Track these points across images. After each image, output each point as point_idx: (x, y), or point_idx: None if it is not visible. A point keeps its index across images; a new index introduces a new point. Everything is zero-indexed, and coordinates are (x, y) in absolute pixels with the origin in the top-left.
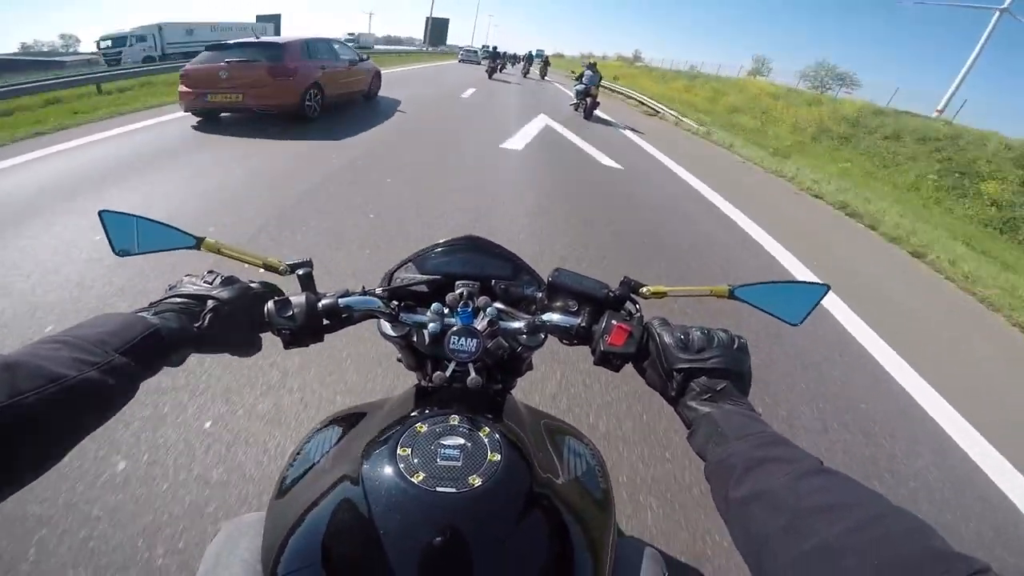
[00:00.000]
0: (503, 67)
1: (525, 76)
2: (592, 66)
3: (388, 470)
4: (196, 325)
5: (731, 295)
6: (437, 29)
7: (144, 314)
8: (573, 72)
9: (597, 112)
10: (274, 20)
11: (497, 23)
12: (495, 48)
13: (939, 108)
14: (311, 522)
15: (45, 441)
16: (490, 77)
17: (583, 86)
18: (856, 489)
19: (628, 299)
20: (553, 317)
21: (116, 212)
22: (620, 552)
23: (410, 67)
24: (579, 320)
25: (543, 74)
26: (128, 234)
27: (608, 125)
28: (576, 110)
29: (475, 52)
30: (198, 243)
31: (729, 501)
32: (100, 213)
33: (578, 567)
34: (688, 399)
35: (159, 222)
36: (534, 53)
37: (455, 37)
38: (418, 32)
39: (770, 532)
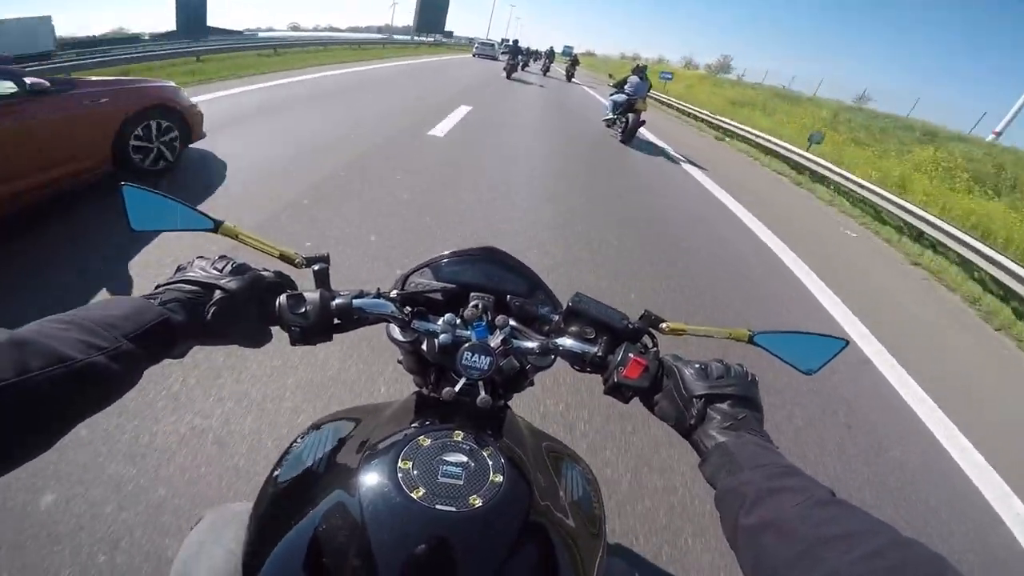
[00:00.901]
0: (525, 64)
1: (545, 74)
2: (642, 71)
3: (387, 482)
4: (202, 317)
5: (751, 340)
6: (430, 9)
7: (153, 300)
8: (611, 76)
9: (645, 134)
10: (44, 22)
11: (519, 15)
12: (516, 42)
13: (996, 130)
14: (300, 525)
15: (46, 422)
16: (508, 76)
17: (624, 96)
18: (867, 520)
19: (647, 332)
20: (567, 342)
21: (138, 187)
22: (608, 574)
23: (377, 65)
24: (595, 349)
25: (570, 75)
26: (147, 211)
27: (670, 161)
28: (610, 128)
29: (492, 46)
30: (216, 226)
31: (738, 529)
32: (121, 187)
33: None
34: (708, 428)
35: (180, 201)
36: (562, 50)
37: (468, 30)
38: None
39: (780, 561)
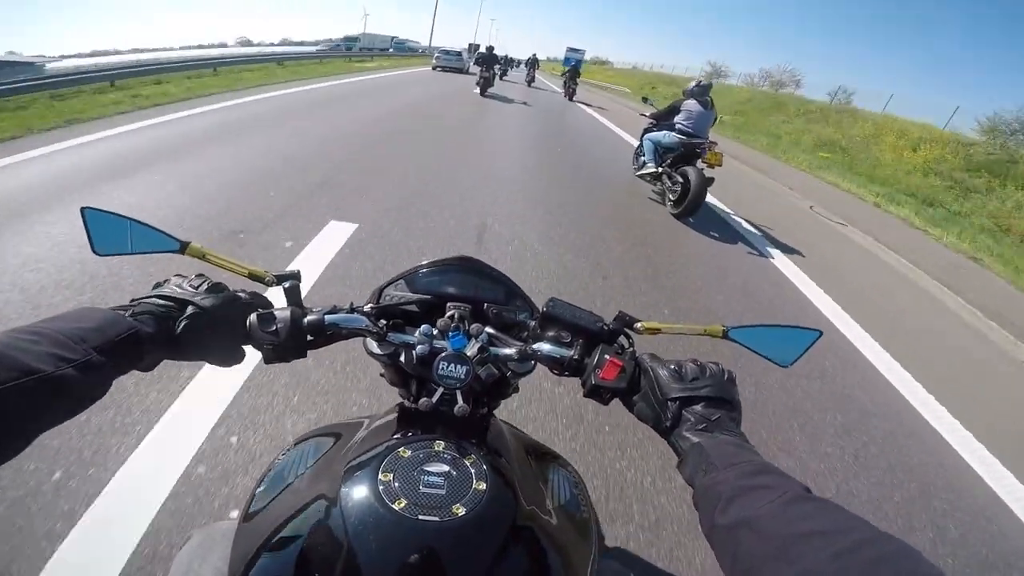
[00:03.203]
0: (504, 73)
1: (530, 85)
2: (704, 91)
3: (368, 495)
4: (172, 331)
5: (725, 336)
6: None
7: (124, 313)
8: (646, 101)
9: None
10: None
11: (499, 27)
12: (491, 49)
13: None
14: (283, 541)
15: (13, 432)
16: (483, 93)
17: (672, 137)
18: (842, 515)
19: (622, 333)
20: (544, 347)
21: (100, 210)
22: None
23: (277, 92)
24: (571, 352)
25: (570, 93)
26: (110, 234)
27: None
28: (651, 184)
29: (459, 55)
30: (183, 247)
31: (715, 528)
32: (83, 210)
33: None
34: (683, 429)
35: (144, 224)
36: (563, 57)
37: (440, 40)
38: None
39: (757, 558)
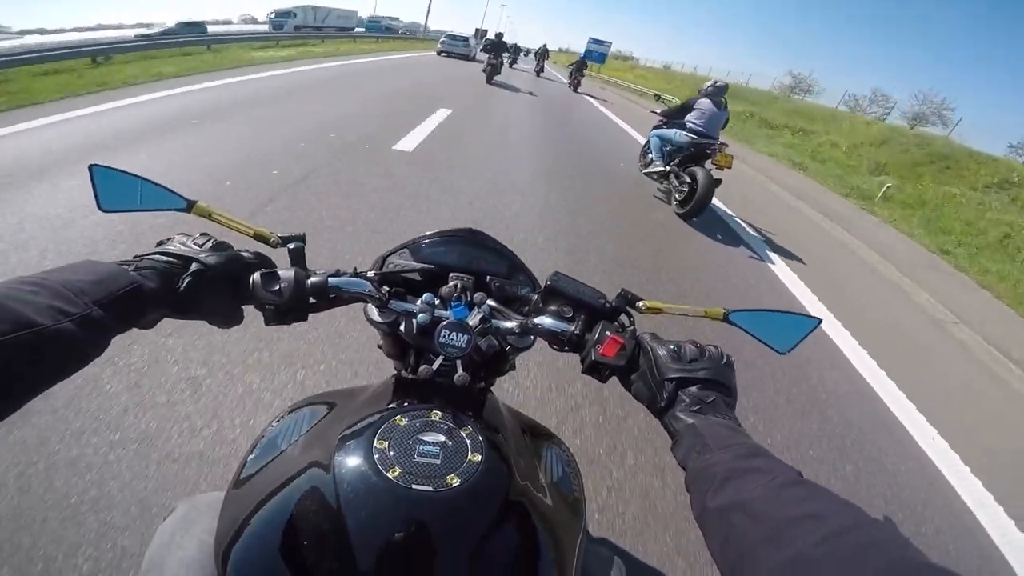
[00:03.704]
0: (514, 61)
1: (539, 75)
2: (719, 92)
3: (362, 462)
4: (174, 288)
5: (725, 318)
6: None
7: (128, 268)
8: (659, 99)
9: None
10: None
11: (510, 13)
12: (500, 36)
13: None
14: (274, 508)
15: (8, 389)
16: (488, 81)
17: (683, 135)
18: (833, 500)
19: (624, 311)
20: (546, 321)
21: (108, 167)
22: (587, 560)
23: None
24: (573, 327)
25: (575, 85)
26: (117, 191)
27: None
28: (658, 183)
29: (466, 41)
30: (189, 206)
31: (706, 510)
32: (91, 167)
33: (545, 572)
34: (677, 410)
35: (151, 181)
36: (584, 50)
37: (444, 23)
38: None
39: (748, 541)
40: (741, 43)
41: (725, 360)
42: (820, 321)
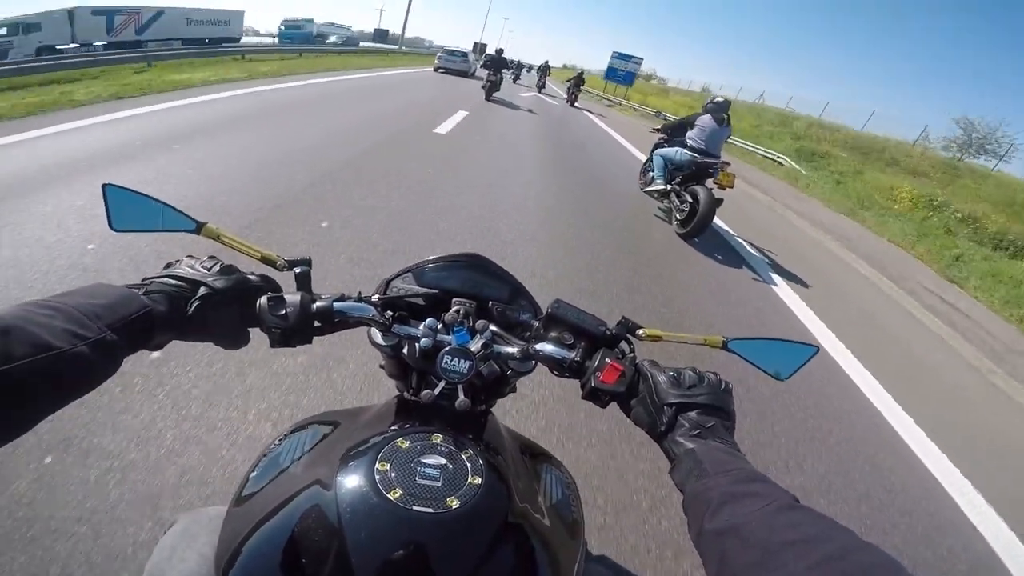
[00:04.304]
0: (517, 77)
1: (540, 91)
2: (722, 108)
3: (364, 483)
4: (183, 311)
5: (724, 346)
6: None
7: (137, 291)
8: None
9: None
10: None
11: (512, 27)
12: (500, 52)
13: None
14: (275, 526)
15: (24, 410)
16: (487, 97)
17: (684, 154)
18: (826, 524)
19: (624, 339)
20: (547, 347)
21: (120, 187)
22: None
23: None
24: (573, 354)
25: (572, 100)
26: (129, 211)
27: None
28: (658, 202)
29: (465, 56)
30: (198, 228)
31: (703, 533)
32: (104, 187)
33: None
34: (677, 434)
35: (162, 202)
36: (607, 66)
37: (440, 39)
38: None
39: (741, 565)
40: (749, 57)
41: (724, 386)
42: (817, 349)
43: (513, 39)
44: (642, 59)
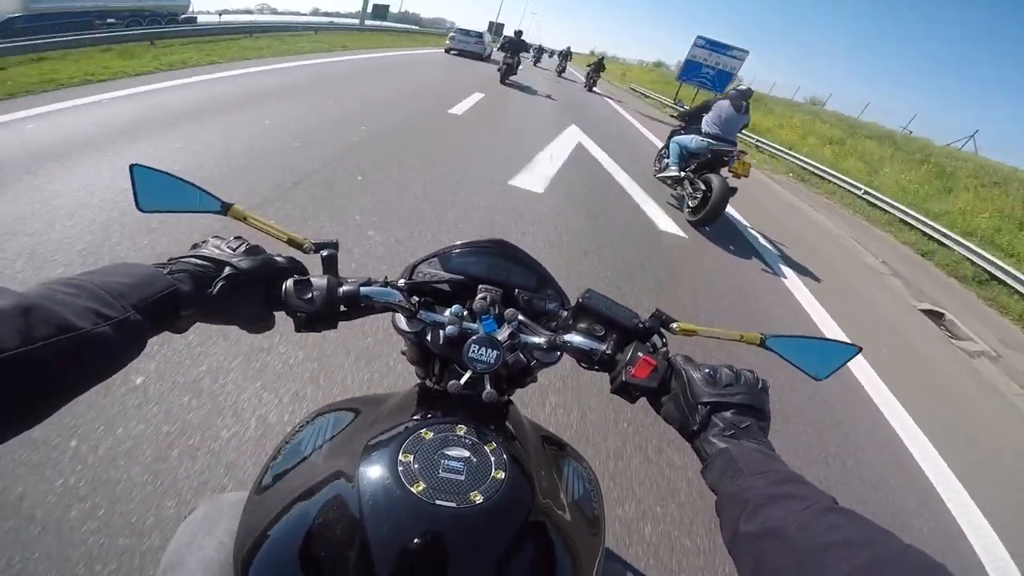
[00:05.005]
0: (538, 60)
1: (560, 75)
2: (743, 96)
3: (387, 475)
4: (207, 291)
5: (763, 344)
6: None
7: (163, 270)
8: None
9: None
10: None
11: (535, 11)
12: (519, 34)
13: None
14: (295, 516)
15: (46, 394)
16: (503, 80)
17: (700, 140)
18: (869, 528)
19: (656, 332)
20: (576, 339)
21: (148, 168)
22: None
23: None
24: (604, 346)
25: (590, 84)
26: (156, 191)
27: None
28: (672, 189)
29: (480, 36)
30: (225, 208)
31: (738, 535)
32: (131, 167)
33: None
34: (710, 434)
35: (189, 183)
36: (688, 61)
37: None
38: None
39: (779, 569)
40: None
41: (761, 385)
42: (859, 350)
43: (536, 23)
44: (747, 52)
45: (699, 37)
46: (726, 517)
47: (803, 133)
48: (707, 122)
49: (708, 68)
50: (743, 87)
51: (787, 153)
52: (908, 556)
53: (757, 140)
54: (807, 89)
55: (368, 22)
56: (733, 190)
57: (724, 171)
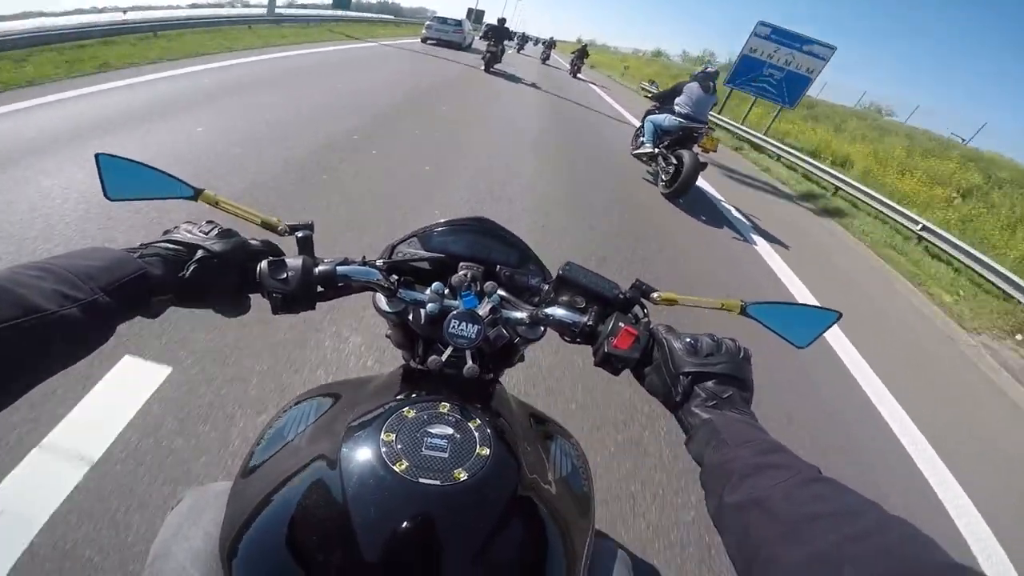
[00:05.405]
0: (521, 47)
1: (544, 62)
2: (710, 77)
3: (369, 455)
4: (180, 275)
5: (743, 311)
6: None
7: (133, 254)
8: (650, 84)
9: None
10: None
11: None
12: (503, 22)
13: None
14: (279, 501)
15: (10, 377)
16: (487, 69)
17: (673, 120)
18: (854, 498)
19: (637, 302)
20: (557, 312)
21: (113, 156)
22: (594, 554)
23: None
24: (585, 318)
25: (574, 71)
26: (123, 179)
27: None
28: (647, 165)
29: (458, 25)
30: (196, 194)
31: (723, 506)
32: (97, 156)
33: (554, 570)
34: (692, 405)
35: (158, 169)
36: (743, 57)
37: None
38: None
39: (765, 539)
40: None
41: (743, 354)
42: (839, 315)
43: (519, 10)
44: (833, 48)
45: (761, 23)
46: (710, 488)
47: (927, 179)
48: (679, 103)
49: (774, 69)
50: (710, 70)
51: (942, 236)
52: (894, 527)
53: (863, 193)
54: (856, 90)
55: (327, 12)
56: (704, 165)
57: (694, 147)
